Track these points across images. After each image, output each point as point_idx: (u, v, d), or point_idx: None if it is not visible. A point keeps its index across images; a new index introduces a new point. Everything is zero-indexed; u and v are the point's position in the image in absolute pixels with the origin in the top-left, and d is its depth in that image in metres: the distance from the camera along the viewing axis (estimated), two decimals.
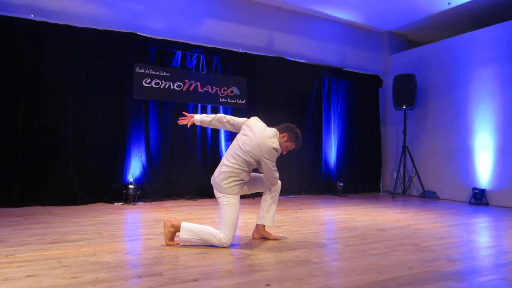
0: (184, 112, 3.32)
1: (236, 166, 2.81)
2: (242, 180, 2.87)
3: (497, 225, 4.15)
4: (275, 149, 2.81)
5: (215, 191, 2.90)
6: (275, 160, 2.87)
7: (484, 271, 2.39)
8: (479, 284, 2.12)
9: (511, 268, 2.46)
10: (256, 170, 3.09)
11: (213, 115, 3.07)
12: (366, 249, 2.86)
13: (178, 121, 3.19)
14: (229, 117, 3.07)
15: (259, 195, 4.11)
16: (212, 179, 2.94)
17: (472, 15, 6.89)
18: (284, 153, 3.00)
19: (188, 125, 3.18)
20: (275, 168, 2.91)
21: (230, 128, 3.08)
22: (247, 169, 2.86)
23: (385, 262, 2.50)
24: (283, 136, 2.94)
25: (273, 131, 2.91)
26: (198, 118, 3.10)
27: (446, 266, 2.44)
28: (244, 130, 2.94)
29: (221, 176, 2.82)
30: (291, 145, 2.99)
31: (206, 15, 6.18)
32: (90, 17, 5.30)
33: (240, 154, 2.82)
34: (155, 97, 5.60)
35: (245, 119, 3.06)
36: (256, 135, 2.84)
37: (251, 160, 2.82)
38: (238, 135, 2.99)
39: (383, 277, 2.19)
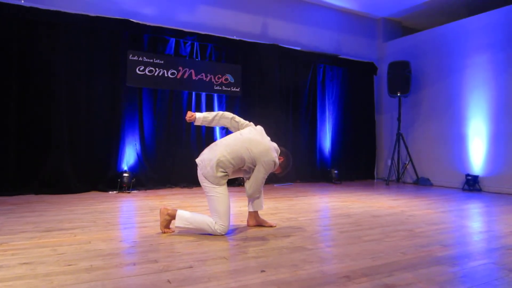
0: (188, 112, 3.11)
1: (229, 158, 2.75)
2: (228, 174, 2.84)
3: (489, 211, 4.20)
4: (275, 164, 2.83)
5: (200, 176, 2.82)
6: (268, 173, 2.86)
7: (476, 255, 2.42)
8: (472, 269, 2.15)
9: (503, 252, 2.49)
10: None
11: (215, 112, 3.02)
12: (361, 236, 2.88)
13: (187, 119, 2.98)
14: (233, 114, 3.05)
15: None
16: (199, 161, 2.85)
17: (467, 1, 6.86)
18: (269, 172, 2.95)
19: (188, 120, 2.98)
20: (263, 182, 2.91)
21: (234, 125, 3.02)
22: (235, 166, 2.81)
23: (379, 248, 2.52)
24: (280, 159, 2.97)
25: (276, 146, 2.95)
26: (201, 116, 2.95)
27: (439, 251, 2.47)
28: (251, 130, 2.91)
29: (212, 162, 2.74)
30: (278, 170, 3.02)
31: (200, 1, 6.09)
32: (82, 3, 5.20)
33: (239, 149, 2.76)
34: (149, 85, 5.56)
35: (249, 122, 3.05)
36: (264, 142, 2.83)
37: (246, 159, 2.77)
38: (241, 130, 2.95)
39: (377, 262, 2.21)
